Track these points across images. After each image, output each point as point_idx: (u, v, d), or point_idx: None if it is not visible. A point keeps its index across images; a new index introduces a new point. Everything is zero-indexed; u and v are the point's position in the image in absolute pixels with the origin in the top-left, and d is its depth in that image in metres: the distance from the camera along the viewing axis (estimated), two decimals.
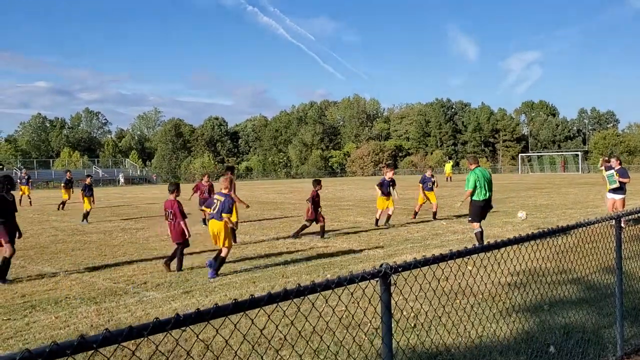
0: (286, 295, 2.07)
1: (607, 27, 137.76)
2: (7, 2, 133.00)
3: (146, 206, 25.13)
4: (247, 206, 12.87)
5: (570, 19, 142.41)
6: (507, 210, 17.62)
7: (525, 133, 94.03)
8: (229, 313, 1.87)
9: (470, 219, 10.57)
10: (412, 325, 5.49)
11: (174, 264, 8.98)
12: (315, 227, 12.48)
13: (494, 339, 4.97)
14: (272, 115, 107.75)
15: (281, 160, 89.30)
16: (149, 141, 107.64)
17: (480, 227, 10.31)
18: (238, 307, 1.90)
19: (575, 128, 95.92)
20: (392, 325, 2.61)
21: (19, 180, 27.30)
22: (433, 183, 16.16)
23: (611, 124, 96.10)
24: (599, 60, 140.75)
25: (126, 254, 11.04)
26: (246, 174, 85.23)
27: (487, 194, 10.27)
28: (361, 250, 10.54)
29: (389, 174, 14.74)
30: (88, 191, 17.76)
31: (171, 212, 8.97)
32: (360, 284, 2.42)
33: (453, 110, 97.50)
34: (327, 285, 2.22)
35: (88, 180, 18.32)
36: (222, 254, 8.61)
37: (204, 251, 10.82)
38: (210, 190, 15.48)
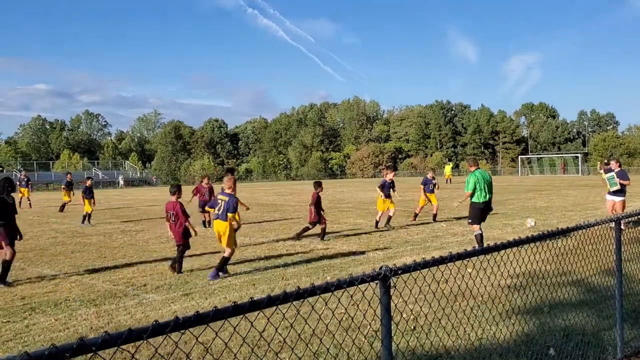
0: (286, 297, 2.07)
1: (607, 28, 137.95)
2: (7, 2, 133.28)
3: (146, 208, 25.12)
4: (247, 208, 12.88)
5: (570, 20, 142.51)
6: (507, 212, 17.63)
7: (525, 135, 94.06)
8: (229, 316, 1.87)
9: (470, 221, 10.57)
10: (412, 327, 5.49)
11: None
12: (315, 229, 12.49)
13: (493, 342, 4.97)
14: (272, 117, 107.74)
15: (281, 162, 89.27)
16: (148, 143, 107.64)
17: (480, 229, 10.31)
18: (237, 309, 1.90)
19: (575, 130, 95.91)
20: (392, 327, 2.61)
21: (18, 182, 27.26)
22: (434, 185, 16.20)
23: (611, 126, 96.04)
24: (599, 62, 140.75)
25: (126, 256, 11.04)
26: (246, 175, 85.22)
27: (487, 196, 10.27)
28: (361, 253, 10.55)
29: (389, 176, 14.77)
30: (88, 193, 17.80)
31: (173, 213, 8.99)
32: (360, 286, 2.42)
33: (453, 112, 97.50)
34: (327, 288, 2.22)
35: (88, 183, 18.34)
36: (226, 254, 8.63)
37: (204, 253, 10.83)
38: (211, 192, 15.49)
